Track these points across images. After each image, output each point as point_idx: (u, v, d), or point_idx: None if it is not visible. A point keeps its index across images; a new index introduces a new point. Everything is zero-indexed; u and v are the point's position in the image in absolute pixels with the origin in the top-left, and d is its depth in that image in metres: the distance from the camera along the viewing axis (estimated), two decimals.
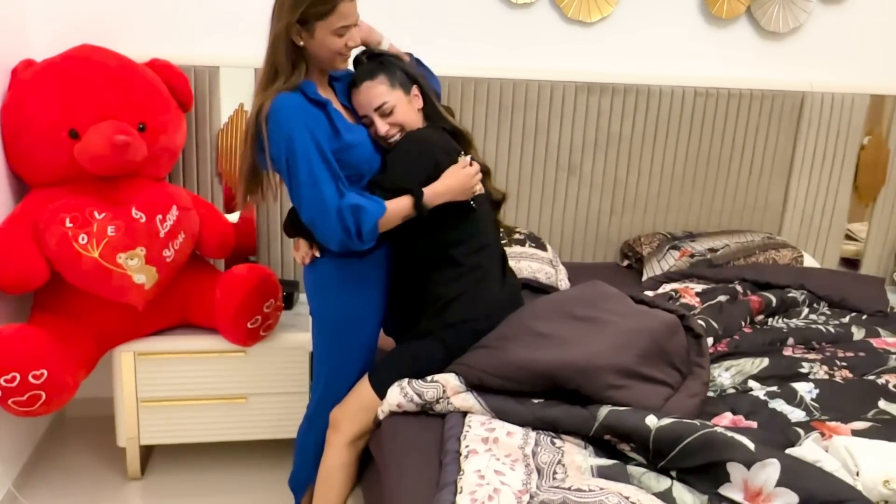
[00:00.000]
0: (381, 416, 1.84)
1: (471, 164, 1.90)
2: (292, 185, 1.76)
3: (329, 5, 1.73)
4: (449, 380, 1.81)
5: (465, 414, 1.78)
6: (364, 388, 1.90)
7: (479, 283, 1.92)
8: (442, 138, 1.94)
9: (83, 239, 2.11)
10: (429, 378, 1.83)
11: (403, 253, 1.97)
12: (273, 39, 1.78)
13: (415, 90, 1.95)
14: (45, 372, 2.04)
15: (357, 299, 1.95)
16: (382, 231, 1.79)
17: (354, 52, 1.92)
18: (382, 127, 1.89)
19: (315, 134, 1.75)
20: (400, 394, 1.81)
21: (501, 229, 2.10)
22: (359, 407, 1.90)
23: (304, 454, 2.07)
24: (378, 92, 1.89)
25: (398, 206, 1.80)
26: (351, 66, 1.96)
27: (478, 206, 1.94)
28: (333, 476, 1.93)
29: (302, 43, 1.77)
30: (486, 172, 2.01)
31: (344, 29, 1.77)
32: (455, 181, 1.86)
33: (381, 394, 1.85)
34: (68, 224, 2.10)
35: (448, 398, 1.80)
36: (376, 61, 1.95)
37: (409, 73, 1.96)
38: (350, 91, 1.94)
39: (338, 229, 1.73)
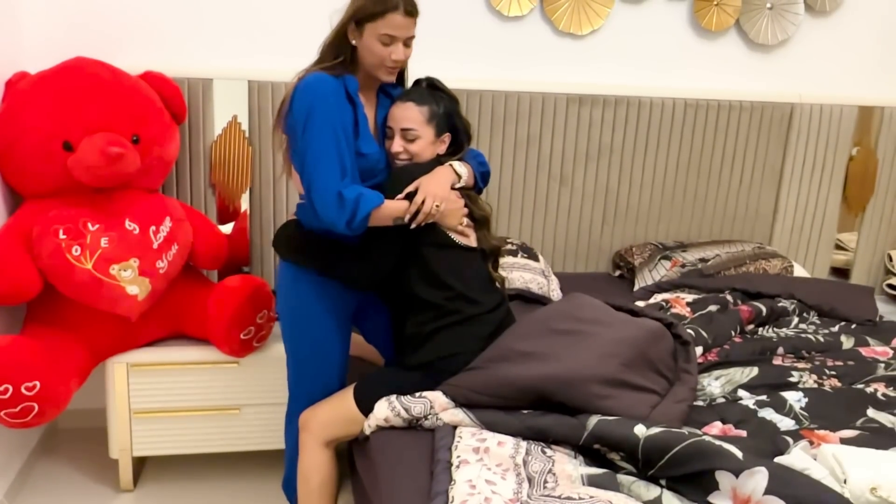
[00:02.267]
0: (367, 431, 1.84)
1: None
2: (301, 155, 1.80)
3: (380, 8, 1.80)
4: (437, 396, 1.82)
5: (455, 426, 1.79)
6: (345, 398, 1.91)
7: (458, 324, 1.91)
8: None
9: (76, 250, 2.11)
10: (416, 394, 1.84)
11: (390, 294, 1.99)
12: (333, 31, 1.86)
13: (445, 138, 1.98)
14: (38, 383, 2.04)
15: (311, 302, 1.95)
16: (372, 225, 1.81)
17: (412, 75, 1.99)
18: (397, 146, 1.93)
19: (337, 118, 1.80)
20: (388, 408, 1.82)
21: (497, 282, 2.05)
22: (335, 415, 1.92)
23: (290, 457, 2.10)
24: (412, 116, 1.92)
25: (394, 205, 1.83)
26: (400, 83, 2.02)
27: (465, 258, 1.95)
28: (312, 477, 1.95)
29: (354, 42, 1.84)
30: (482, 221, 2.01)
31: (390, 38, 1.82)
32: (442, 180, 1.88)
33: (362, 407, 1.87)
34: (62, 235, 2.11)
35: (437, 414, 1.81)
36: (433, 93, 1.98)
37: (453, 120, 1.99)
38: (393, 100, 1.97)
39: (333, 210, 1.76)
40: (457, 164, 1.95)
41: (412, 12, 1.84)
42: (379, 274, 1.92)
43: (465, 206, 1.96)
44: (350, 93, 1.86)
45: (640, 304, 2.53)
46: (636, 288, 2.83)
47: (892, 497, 1.46)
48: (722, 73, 3.07)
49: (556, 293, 2.66)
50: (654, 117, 2.98)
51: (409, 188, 1.85)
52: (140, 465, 2.59)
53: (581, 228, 3.04)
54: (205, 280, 2.53)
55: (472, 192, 2.01)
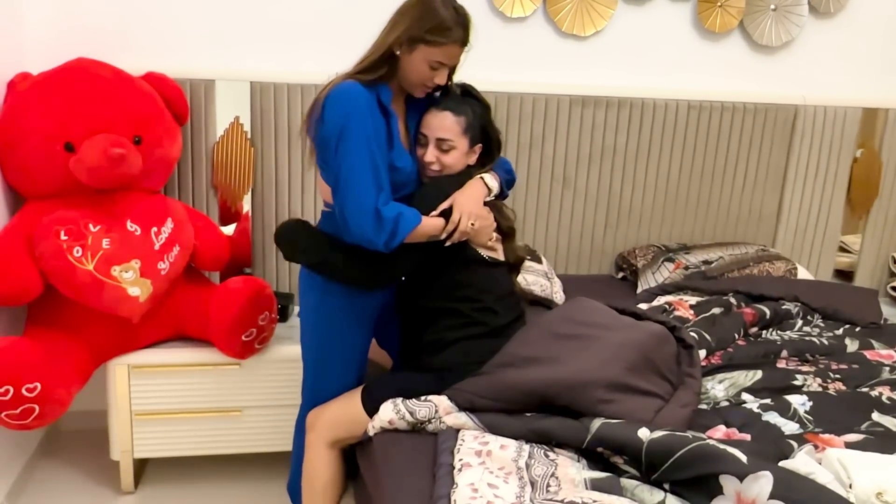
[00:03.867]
0: (371, 433, 1.84)
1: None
2: (335, 170, 1.76)
3: (442, 39, 1.77)
4: (442, 400, 1.82)
5: (458, 429, 1.78)
6: (352, 399, 1.91)
7: (482, 336, 1.91)
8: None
9: (78, 251, 2.11)
10: (422, 397, 1.84)
11: (410, 305, 1.98)
12: (380, 40, 1.82)
13: (477, 148, 1.96)
14: (39, 385, 2.03)
15: (338, 311, 1.94)
16: (407, 242, 1.79)
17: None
18: (431, 155, 1.90)
19: (372, 131, 1.76)
20: (393, 410, 1.82)
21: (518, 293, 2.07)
22: (342, 415, 1.92)
23: (297, 459, 2.09)
24: (449, 126, 1.89)
25: (430, 223, 1.82)
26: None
27: (492, 272, 1.95)
28: (316, 477, 1.95)
29: (398, 53, 1.80)
30: (508, 234, 2.00)
31: (439, 65, 1.81)
32: (476, 196, 1.86)
33: (368, 409, 1.87)
34: (63, 237, 2.10)
35: (440, 417, 1.80)
36: (470, 102, 1.96)
37: (486, 130, 1.97)
38: (428, 106, 1.93)
39: (370, 228, 1.74)
40: (487, 178, 1.93)
41: (467, 43, 1.83)
42: (386, 279, 1.91)
43: (494, 219, 1.95)
44: (384, 103, 1.82)
45: (643, 306, 2.53)
46: (639, 290, 2.81)
47: None
48: (725, 75, 3.05)
49: (559, 295, 2.66)
50: (658, 119, 2.97)
51: (444, 205, 1.84)
52: (141, 466, 2.59)
53: (584, 230, 3.03)
54: (206, 281, 2.52)
55: (498, 202, 1.99)
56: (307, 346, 2.02)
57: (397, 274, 1.92)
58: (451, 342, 1.89)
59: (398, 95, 1.90)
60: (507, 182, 2.04)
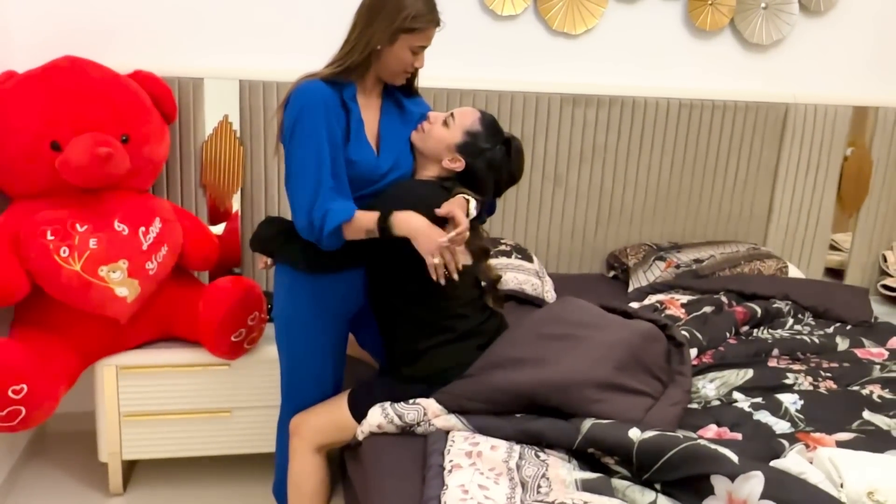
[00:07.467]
0: (360, 437, 1.83)
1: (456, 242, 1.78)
2: (287, 165, 1.82)
3: (422, 24, 1.80)
4: (430, 403, 1.81)
5: (448, 431, 1.77)
6: (337, 404, 1.90)
7: (452, 342, 1.87)
8: (439, 198, 1.84)
9: (64, 252, 2.09)
10: (410, 401, 1.83)
11: (380, 300, 1.95)
12: (356, 41, 1.82)
13: (459, 164, 1.89)
14: (25, 387, 2.01)
15: (306, 310, 1.92)
16: (348, 239, 1.78)
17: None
18: (434, 118, 1.92)
19: (323, 128, 1.77)
20: (381, 414, 1.80)
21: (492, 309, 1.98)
22: (327, 421, 1.91)
23: (281, 461, 2.08)
24: (469, 117, 1.92)
25: (365, 218, 1.77)
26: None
27: (453, 280, 1.82)
28: (303, 483, 1.94)
29: (379, 47, 1.82)
30: (479, 254, 1.94)
31: (420, 49, 1.85)
32: (422, 228, 1.75)
33: (356, 415, 1.85)
34: (49, 237, 2.08)
35: (429, 420, 1.79)
36: (498, 132, 1.97)
37: (483, 165, 1.91)
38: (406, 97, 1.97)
39: (304, 224, 1.77)
40: (472, 202, 1.84)
41: (440, 22, 1.86)
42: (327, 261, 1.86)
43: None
44: (345, 100, 1.83)
45: (635, 305, 2.52)
46: (630, 289, 2.81)
47: (889, 501, 1.45)
48: (716, 73, 3.06)
49: (550, 294, 2.65)
50: (649, 117, 2.96)
51: (441, 211, 1.77)
52: (130, 468, 2.57)
53: (575, 229, 3.03)
54: (195, 281, 2.50)
55: (473, 222, 1.90)
56: (281, 345, 2.01)
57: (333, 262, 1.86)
58: (424, 351, 1.87)
59: (371, 91, 1.91)
60: (487, 208, 2.01)
